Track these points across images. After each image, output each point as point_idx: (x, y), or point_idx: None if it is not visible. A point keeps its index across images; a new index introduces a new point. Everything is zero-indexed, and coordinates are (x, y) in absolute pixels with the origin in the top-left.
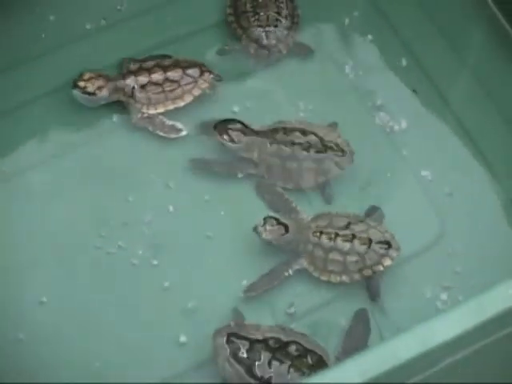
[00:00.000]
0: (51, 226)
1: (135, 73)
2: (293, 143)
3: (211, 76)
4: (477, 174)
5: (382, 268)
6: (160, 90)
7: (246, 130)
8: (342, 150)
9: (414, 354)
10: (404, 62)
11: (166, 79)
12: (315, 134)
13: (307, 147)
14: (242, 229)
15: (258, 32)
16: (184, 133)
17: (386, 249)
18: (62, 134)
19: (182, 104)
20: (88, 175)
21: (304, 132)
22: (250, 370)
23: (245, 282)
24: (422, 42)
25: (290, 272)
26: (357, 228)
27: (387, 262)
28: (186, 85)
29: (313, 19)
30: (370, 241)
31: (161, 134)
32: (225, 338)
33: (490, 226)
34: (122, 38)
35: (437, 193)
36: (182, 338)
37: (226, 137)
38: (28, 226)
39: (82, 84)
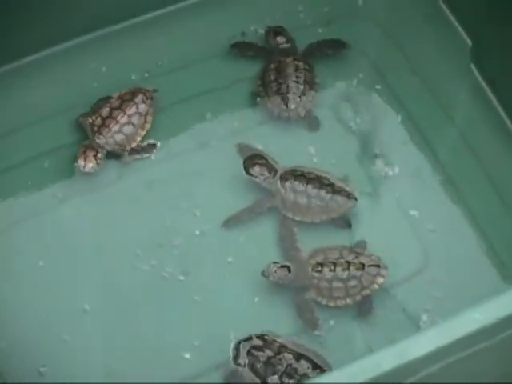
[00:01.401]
0: (100, 245)
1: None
2: (307, 182)
3: (152, 94)
4: (456, 215)
5: (377, 286)
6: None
7: (269, 165)
8: (349, 195)
9: (394, 365)
10: (399, 118)
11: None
12: (327, 179)
13: (319, 187)
14: (255, 254)
15: (278, 99)
16: (158, 144)
17: (376, 268)
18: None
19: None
20: (130, 205)
21: (318, 176)
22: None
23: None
24: (415, 102)
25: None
26: (349, 257)
27: (380, 280)
28: (131, 115)
29: (329, 85)
30: (363, 265)
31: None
32: (246, 350)
33: (465, 259)
34: (161, 89)
35: (422, 229)
36: (197, 343)
37: (254, 172)
38: (81, 246)
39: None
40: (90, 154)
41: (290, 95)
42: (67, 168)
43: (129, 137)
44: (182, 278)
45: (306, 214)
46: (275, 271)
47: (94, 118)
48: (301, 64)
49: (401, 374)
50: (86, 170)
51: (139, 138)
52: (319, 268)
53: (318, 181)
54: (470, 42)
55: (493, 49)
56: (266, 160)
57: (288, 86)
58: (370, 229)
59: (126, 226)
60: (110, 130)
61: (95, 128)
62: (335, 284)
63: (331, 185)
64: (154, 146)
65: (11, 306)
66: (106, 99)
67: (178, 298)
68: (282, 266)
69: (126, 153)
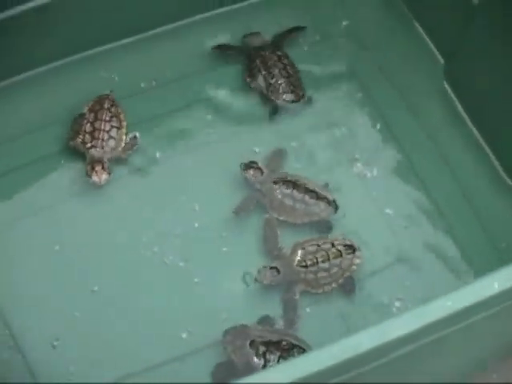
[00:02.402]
0: (109, 234)
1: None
2: (293, 187)
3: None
4: (426, 214)
5: (355, 267)
6: (107, 135)
7: (262, 169)
8: (330, 203)
9: (372, 345)
10: (378, 126)
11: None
12: (313, 187)
13: (304, 192)
14: (247, 245)
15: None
16: (137, 134)
17: (352, 252)
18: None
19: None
20: (136, 200)
21: (305, 184)
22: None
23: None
24: (392, 112)
25: (297, 296)
26: (325, 246)
27: (356, 261)
28: (109, 120)
29: (316, 97)
30: (341, 252)
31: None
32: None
33: (434, 253)
34: (166, 94)
35: (396, 226)
36: (193, 323)
37: (248, 173)
38: (91, 235)
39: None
40: (99, 167)
41: (284, 82)
42: (79, 166)
43: (117, 139)
44: (181, 264)
45: (290, 215)
46: (266, 275)
47: (81, 137)
48: (279, 53)
49: (377, 355)
50: (103, 182)
51: (124, 136)
52: (304, 263)
53: (305, 187)
54: (442, 61)
55: (462, 67)
56: (259, 165)
57: (276, 74)
58: (349, 224)
59: (132, 218)
60: (102, 139)
61: (88, 145)
62: (320, 274)
63: (316, 192)
64: (135, 137)
65: (29, 285)
66: (80, 117)
67: (178, 283)
68: (271, 268)
69: (122, 152)
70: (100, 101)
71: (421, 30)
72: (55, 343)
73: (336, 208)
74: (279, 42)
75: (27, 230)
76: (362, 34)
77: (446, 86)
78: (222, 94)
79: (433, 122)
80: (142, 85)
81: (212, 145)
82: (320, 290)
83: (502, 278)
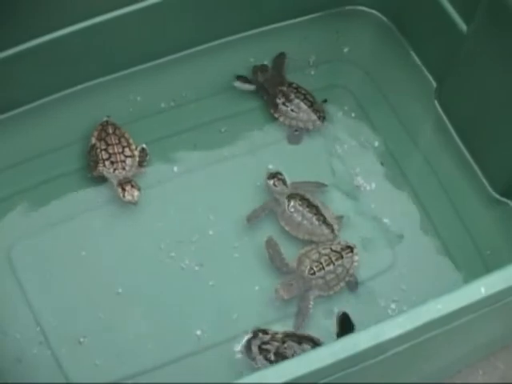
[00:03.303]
0: (131, 241)
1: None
2: (307, 206)
3: (110, 119)
4: (419, 223)
5: (356, 264)
6: (123, 156)
7: (285, 181)
8: (333, 230)
9: (370, 344)
10: (376, 144)
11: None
12: (323, 212)
13: (314, 214)
14: (256, 251)
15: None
16: (144, 145)
17: (350, 251)
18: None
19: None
20: (156, 210)
21: (318, 207)
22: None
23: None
24: (389, 131)
25: (312, 303)
26: (326, 251)
27: (356, 258)
28: (118, 142)
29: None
30: (341, 254)
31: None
32: (257, 347)
33: (426, 259)
34: (185, 114)
35: (392, 234)
36: (206, 322)
37: (272, 181)
38: (115, 241)
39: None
40: (128, 186)
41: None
42: (101, 181)
43: (131, 156)
44: (197, 268)
45: (295, 229)
46: (284, 291)
47: (101, 165)
48: (294, 85)
49: (374, 353)
50: (136, 199)
51: (136, 152)
52: (312, 271)
53: (316, 209)
54: (434, 84)
55: (452, 90)
56: (283, 177)
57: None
58: (349, 231)
59: (151, 226)
60: (120, 161)
61: (110, 170)
62: (328, 277)
63: (324, 217)
64: (143, 148)
65: (59, 287)
66: (92, 148)
67: (193, 285)
68: (287, 284)
69: (139, 165)
70: (103, 128)
71: (415, 56)
72: (82, 340)
73: (336, 236)
74: (281, 71)
75: (56, 238)
76: (362, 59)
77: (438, 106)
78: (237, 113)
79: (425, 139)
80: (162, 105)
81: (226, 160)
82: (331, 292)
83: (487, 284)
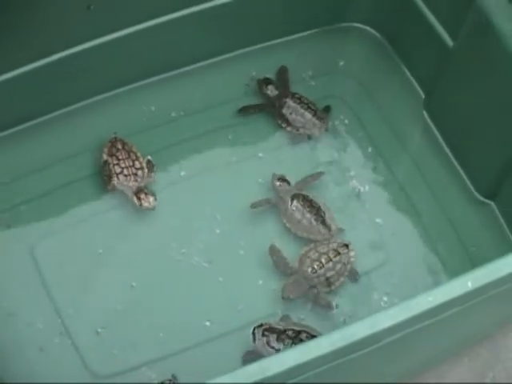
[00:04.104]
0: (144, 239)
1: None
2: (308, 206)
3: (117, 135)
4: (410, 223)
5: (353, 259)
6: (133, 168)
7: (290, 182)
8: (330, 231)
9: (365, 334)
10: (369, 149)
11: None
12: (323, 213)
13: (314, 214)
14: (260, 249)
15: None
16: (149, 157)
17: (346, 248)
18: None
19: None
20: (169, 211)
21: (319, 208)
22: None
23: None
24: (380, 137)
25: (320, 292)
26: (324, 250)
27: (352, 253)
28: (128, 156)
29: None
30: (338, 251)
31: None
32: (261, 332)
33: (416, 256)
34: (193, 123)
35: (385, 233)
36: (215, 313)
37: (278, 182)
38: (130, 239)
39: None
40: (143, 195)
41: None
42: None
43: (141, 167)
44: (205, 264)
45: (295, 226)
46: (290, 291)
47: (115, 179)
48: (297, 96)
49: (369, 342)
50: (152, 204)
51: (144, 164)
52: (314, 270)
53: (317, 210)
54: (423, 95)
55: (439, 101)
56: (287, 179)
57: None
58: (345, 231)
59: (163, 226)
60: (132, 174)
61: (125, 183)
62: (329, 274)
63: (323, 217)
64: (149, 160)
65: (78, 281)
66: (105, 164)
67: (202, 280)
68: (292, 284)
69: (148, 175)
70: (113, 144)
71: (405, 69)
72: (99, 330)
73: (332, 236)
74: (285, 83)
75: (74, 237)
76: (356, 72)
77: (426, 116)
78: (243, 121)
79: (414, 145)
80: (173, 114)
81: (232, 165)
82: (333, 287)
83: (474, 278)
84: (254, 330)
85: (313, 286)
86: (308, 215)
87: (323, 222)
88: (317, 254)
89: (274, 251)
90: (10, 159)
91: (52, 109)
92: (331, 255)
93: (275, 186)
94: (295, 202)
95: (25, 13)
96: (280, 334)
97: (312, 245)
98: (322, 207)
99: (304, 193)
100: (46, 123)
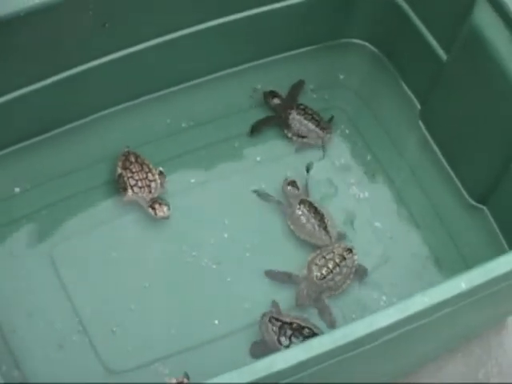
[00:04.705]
0: (157, 243)
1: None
2: (313, 213)
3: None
4: (407, 227)
5: (357, 262)
6: (147, 180)
7: (299, 188)
8: (330, 237)
9: (364, 332)
10: (368, 157)
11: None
12: (326, 220)
13: (318, 220)
14: (265, 252)
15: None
16: (161, 168)
17: (350, 252)
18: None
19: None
20: (180, 216)
21: (323, 215)
22: (278, 340)
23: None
24: (379, 146)
25: (327, 302)
26: (330, 256)
27: (356, 257)
28: (141, 168)
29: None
30: (343, 256)
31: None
32: (267, 318)
33: (413, 257)
34: (202, 133)
35: (383, 236)
36: (223, 312)
37: (289, 187)
38: (142, 243)
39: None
40: (157, 205)
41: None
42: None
43: (154, 179)
44: (214, 266)
45: (298, 229)
46: (303, 298)
47: (130, 191)
48: (302, 107)
49: (369, 339)
50: (167, 213)
51: (156, 175)
52: (322, 276)
53: (321, 217)
54: (418, 106)
55: (434, 111)
56: (298, 185)
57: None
58: (347, 235)
59: (174, 230)
60: (146, 186)
61: (140, 194)
62: (337, 278)
63: (326, 224)
64: (161, 172)
65: (94, 282)
66: (120, 177)
67: (211, 281)
68: (303, 291)
69: (160, 186)
70: (126, 158)
71: (402, 81)
72: (114, 329)
73: (332, 241)
74: (295, 96)
75: (90, 241)
76: (356, 85)
77: (421, 125)
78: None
79: (410, 153)
80: (183, 125)
81: (239, 172)
82: (340, 290)
83: (467, 279)
84: (262, 316)
85: (322, 291)
86: (312, 220)
87: (325, 229)
88: (323, 260)
89: (271, 274)
90: (31, 167)
91: (69, 120)
92: (337, 260)
93: (285, 190)
94: (302, 207)
95: (47, 31)
96: (284, 324)
97: (318, 251)
98: (326, 215)
99: (311, 199)
100: (63, 134)
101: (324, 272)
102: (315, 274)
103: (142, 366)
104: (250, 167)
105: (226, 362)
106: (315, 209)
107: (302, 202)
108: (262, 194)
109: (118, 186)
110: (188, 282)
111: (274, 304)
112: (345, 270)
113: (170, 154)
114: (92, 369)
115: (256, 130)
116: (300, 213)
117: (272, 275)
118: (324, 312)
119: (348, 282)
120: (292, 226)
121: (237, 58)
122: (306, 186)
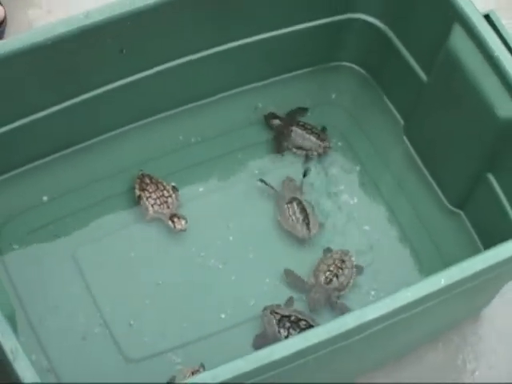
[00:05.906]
0: (168, 245)
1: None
2: (299, 207)
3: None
4: (392, 229)
5: (355, 262)
6: (164, 197)
7: (295, 185)
8: (309, 230)
9: (355, 324)
10: (358, 168)
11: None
12: (309, 215)
13: (299, 212)
14: (268, 253)
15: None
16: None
17: (347, 255)
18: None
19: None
20: (189, 221)
21: (308, 211)
22: (279, 331)
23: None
24: (367, 158)
25: (338, 300)
26: (330, 261)
27: (353, 258)
28: (157, 188)
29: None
30: (343, 260)
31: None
32: (269, 311)
33: (398, 257)
34: (208, 148)
35: (372, 238)
36: (229, 307)
37: (288, 181)
38: (156, 245)
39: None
40: (176, 218)
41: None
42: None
43: (170, 195)
44: (220, 266)
45: (283, 219)
46: (315, 303)
47: (152, 209)
48: (300, 123)
49: (358, 331)
50: (185, 226)
51: (171, 191)
52: (329, 279)
53: (305, 212)
54: (402, 122)
55: (416, 127)
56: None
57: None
58: (336, 237)
59: (184, 234)
60: (164, 203)
61: (160, 211)
62: (341, 279)
63: (307, 217)
64: (174, 186)
65: (114, 280)
66: (139, 199)
67: (218, 279)
68: (314, 296)
69: (176, 200)
70: (142, 180)
71: (387, 100)
72: (132, 322)
73: (309, 234)
74: (295, 116)
75: (110, 243)
76: (346, 103)
77: (405, 139)
78: (252, 143)
79: (396, 164)
80: (193, 140)
81: (242, 181)
82: (347, 289)
83: (446, 276)
84: (264, 309)
85: (330, 294)
86: (298, 215)
87: (307, 224)
88: (326, 267)
89: (288, 274)
90: (58, 178)
91: (91, 136)
92: (338, 264)
93: (284, 182)
94: (291, 202)
95: (75, 57)
96: (283, 317)
97: (319, 260)
98: (310, 213)
99: (301, 198)
100: (85, 149)
101: (330, 276)
102: (321, 278)
103: (156, 355)
104: (251, 177)
105: (231, 350)
106: (302, 206)
107: (292, 198)
108: (266, 183)
109: (140, 207)
110: (197, 279)
111: (290, 300)
112: (346, 271)
113: (182, 165)
114: (112, 358)
115: (280, 150)
116: (289, 206)
117: (290, 275)
118: (343, 310)
119: (351, 281)
120: (278, 218)
121: (240, 80)
122: (301, 188)
